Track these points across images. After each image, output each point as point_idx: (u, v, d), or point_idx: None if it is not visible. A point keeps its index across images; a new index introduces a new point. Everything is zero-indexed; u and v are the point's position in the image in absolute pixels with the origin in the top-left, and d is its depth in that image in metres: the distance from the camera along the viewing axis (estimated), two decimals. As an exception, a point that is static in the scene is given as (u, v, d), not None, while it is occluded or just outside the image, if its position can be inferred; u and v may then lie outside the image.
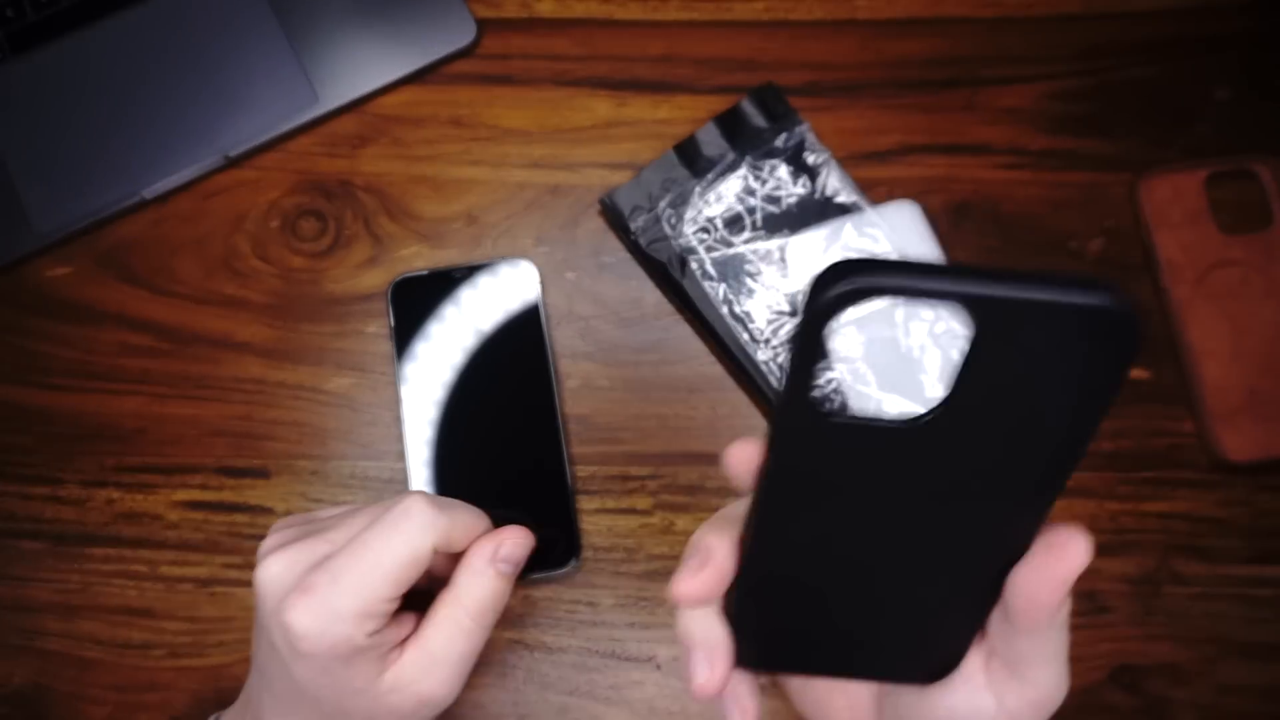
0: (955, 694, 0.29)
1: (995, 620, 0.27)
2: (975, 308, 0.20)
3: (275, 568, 0.32)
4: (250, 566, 0.47)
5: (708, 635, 0.27)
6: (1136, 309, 0.21)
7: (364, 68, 0.51)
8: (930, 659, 0.29)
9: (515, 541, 0.33)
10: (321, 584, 0.31)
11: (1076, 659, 0.46)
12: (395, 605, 0.32)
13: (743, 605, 0.29)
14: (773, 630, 0.30)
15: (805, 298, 0.21)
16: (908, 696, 0.30)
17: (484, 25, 0.52)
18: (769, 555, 0.27)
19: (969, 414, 0.23)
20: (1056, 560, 0.25)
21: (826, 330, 0.21)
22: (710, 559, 0.27)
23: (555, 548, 0.45)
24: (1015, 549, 0.26)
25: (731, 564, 0.27)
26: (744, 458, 0.26)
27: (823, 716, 0.33)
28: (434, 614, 0.34)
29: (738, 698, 0.29)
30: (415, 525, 0.31)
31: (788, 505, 0.26)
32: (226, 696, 0.46)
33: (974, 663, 0.28)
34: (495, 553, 0.33)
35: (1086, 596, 0.46)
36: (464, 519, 0.34)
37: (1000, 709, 0.28)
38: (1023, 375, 0.22)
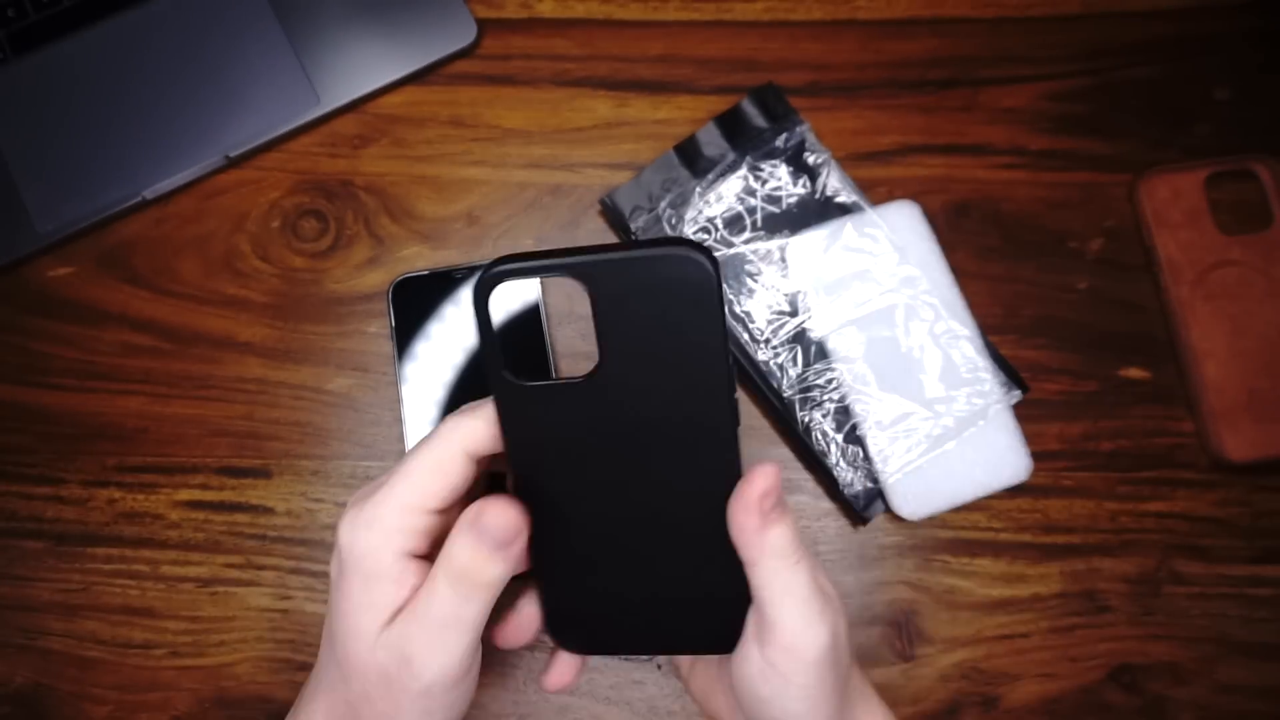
0: (736, 654, 0.32)
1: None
2: (579, 275, 0.27)
3: (345, 513, 0.32)
4: (251, 566, 0.47)
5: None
6: (701, 251, 0.27)
7: (365, 68, 0.51)
8: (721, 622, 0.32)
9: (493, 512, 0.29)
10: (363, 500, 0.31)
11: (1076, 658, 0.46)
12: (432, 520, 0.31)
13: (548, 586, 0.33)
14: (580, 611, 0.33)
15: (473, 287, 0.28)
16: (721, 674, 0.34)
17: (484, 25, 0.52)
18: (543, 530, 0.31)
19: (624, 366, 0.28)
20: (747, 485, 0.29)
21: (489, 305, 0.28)
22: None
23: None
24: (720, 493, 0.30)
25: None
26: None
27: (714, 711, 0.36)
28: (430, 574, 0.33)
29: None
30: (441, 433, 0.31)
31: (534, 475, 0.30)
32: (228, 696, 0.46)
33: (749, 620, 0.32)
34: (476, 518, 0.30)
35: (1086, 596, 0.46)
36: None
37: (762, 659, 0.31)
38: (648, 326, 0.28)
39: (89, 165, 0.50)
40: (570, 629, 0.34)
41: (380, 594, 0.31)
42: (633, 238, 0.48)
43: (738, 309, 0.47)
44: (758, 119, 0.50)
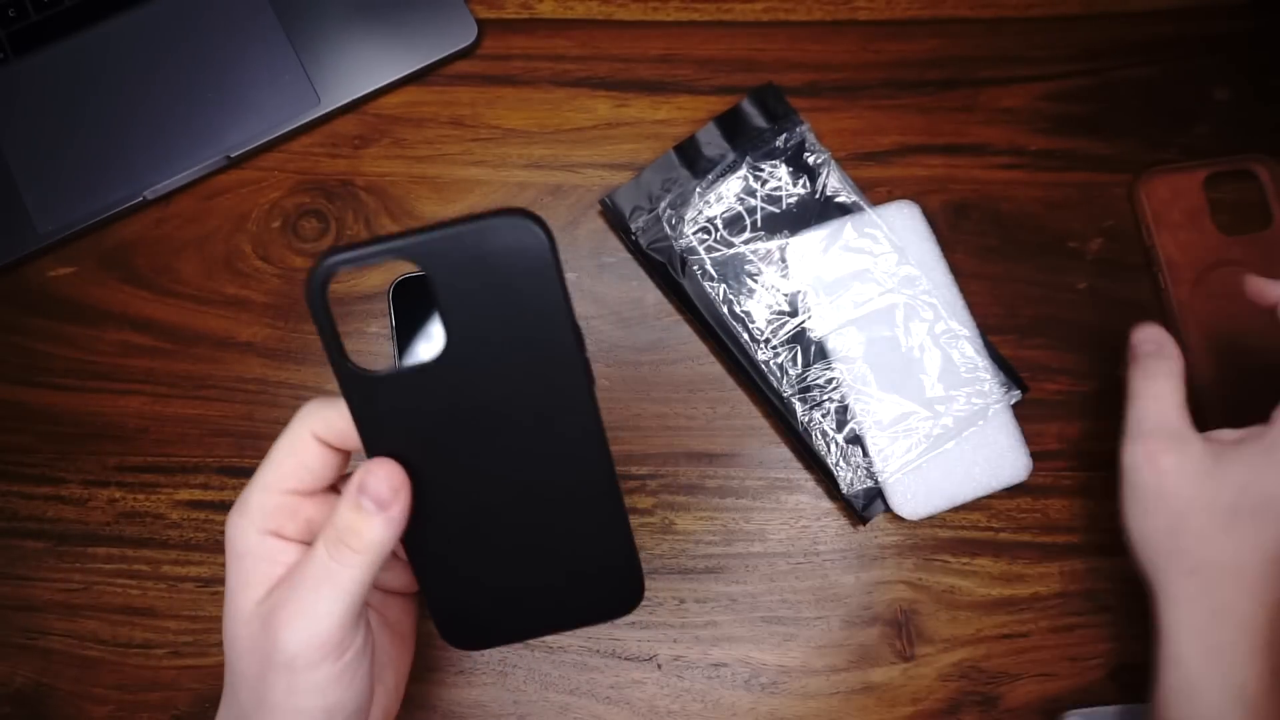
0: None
1: None
2: (411, 257, 0.27)
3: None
4: (252, 566, 0.47)
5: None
6: (531, 217, 0.27)
7: (365, 68, 0.51)
8: (612, 586, 0.32)
9: (373, 472, 0.29)
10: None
11: (1076, 658, 0.46)
12: (294, 501, 0.31)
13: (429, 585, 0.32)
14: (468, 605, 0.32)
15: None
16: None
17: (485, 26, 0.52)
18: (413, 527, 0.30)
19: (470, 344, 0.28)
20: None
21: (325, 298, 0.27)
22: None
23: None
24: (588, 457, 0.30)
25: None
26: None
27: None
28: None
29: None
30: (295, 416, 0.31)
31: (400, 462, 0.29)
32: (228, 695, 0.46)
33: None
34: (357, 480, 0.29)
35: (1086, 596, 0.46)
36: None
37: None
38: (488, 299, 0.27)
39: (89, 165, 0.50)
40: (462, 627, 0.33)
41: (252, 571, 0.31)
42: (633, 238, 0.49)
43: (737, 309, 0.48)
44: (758, 119, 0.50)
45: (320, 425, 0.30)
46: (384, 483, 0.29)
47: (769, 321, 0.47)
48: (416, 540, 0.31)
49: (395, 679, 0.35)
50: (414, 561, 0.31)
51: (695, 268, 0.48)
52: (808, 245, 0.48)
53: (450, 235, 0.27)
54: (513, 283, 0.27)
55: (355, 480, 0.29)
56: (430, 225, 0.27)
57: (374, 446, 0.29)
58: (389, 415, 0.29)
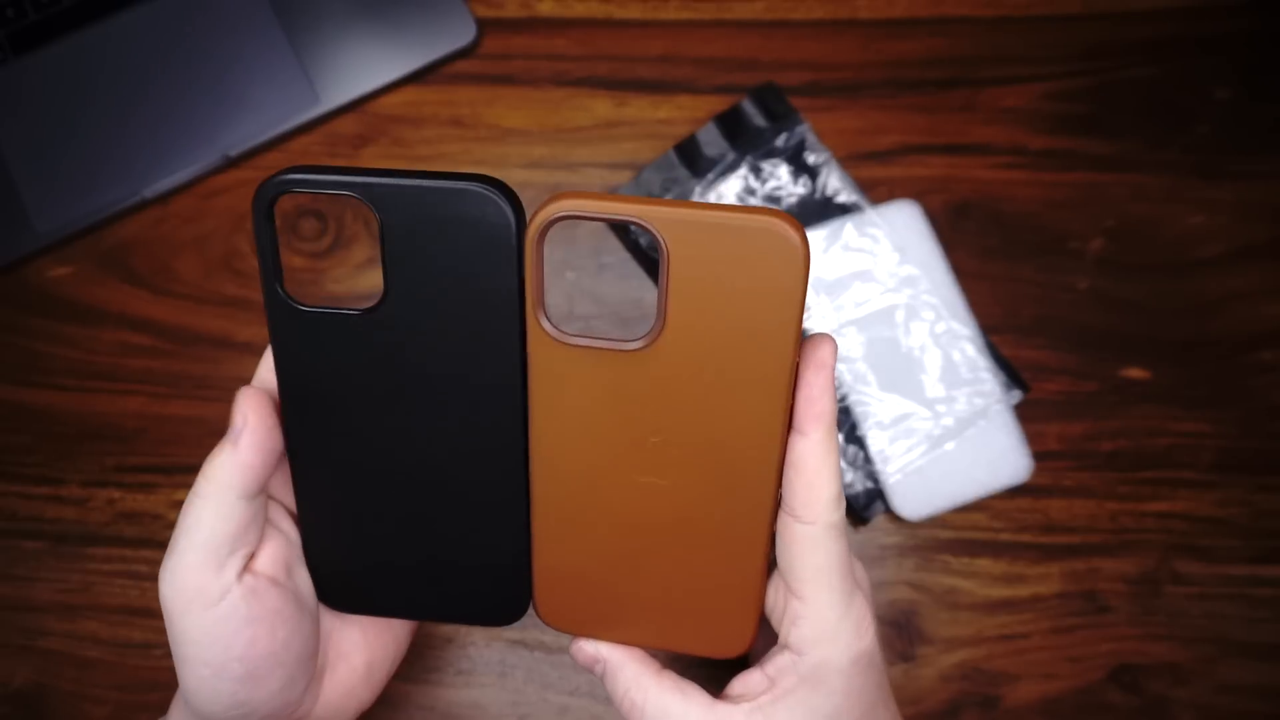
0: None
1: None
2: (368, 198, 0.25)
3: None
4: (251, 566, 0.47)
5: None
6: (503, 193, 0.25)
7: (364, 68, 0.51)
8: (498, 592, 0.31)
9: (235, 403, 0.29)
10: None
11: (1076, 659, 0.46)
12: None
13: (312, 536, 0.31)
14: (348, 567, 0.31)
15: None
16: None
17: (484, 25, 0.52)
18: (309, 474, 0.29)
19: (408, 303, 0.27)
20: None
21: (271, 213, 0.26)
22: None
23: None
24: (502, 454, 0.29)
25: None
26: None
27: None
28: None
29: None
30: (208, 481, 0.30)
31: (303, 411, 0.29)
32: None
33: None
34: None
35: (1086, 596, 0.46)
36: None
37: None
38: (437, 263, 0.26)
39: (88, 165, 0.50)
40: (336, 585, 0.32)
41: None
42: (632, 238, 0.48)
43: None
44: (758, 119, 0.50)
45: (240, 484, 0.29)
46: (236, 412, 0.28)
47: (769, 321, 0.47)
48: (309, 488, 0.30)
49: (366, 660, 0.33)
50: (302, 506, 0.31)
51: (695, 268, 0.48)
52: (808, 245, 0.48)
53: (414, 188, 0.25)
54: (467, 253, 0.26)
55: None
56: (398, 171, 0.26)
57: (289, 387, 0.29)
58: (307, 353, 0.28)
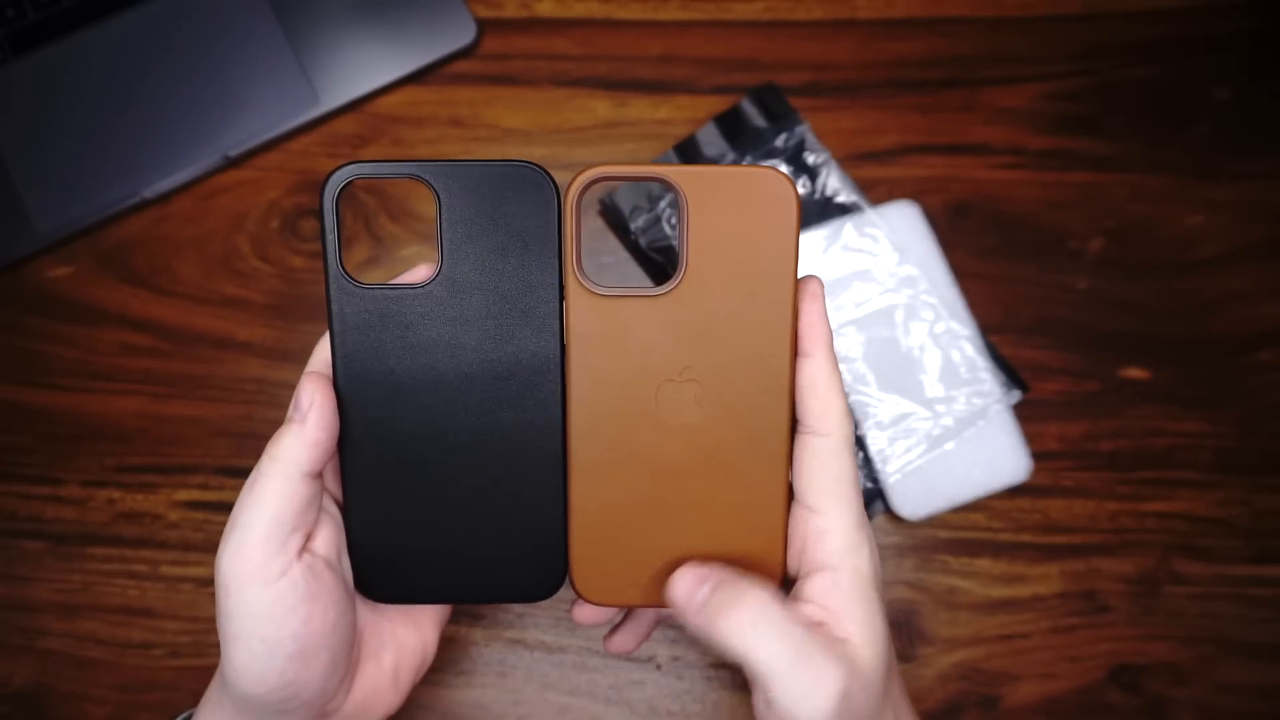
0: None
1: None
2: (426, 176, 0.29)
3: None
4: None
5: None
6: (540, 169, 0.30)
7: (364, 68, 0.51)
8: (537, 566, 0.32)
9: (301, 385, 0.30)
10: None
11: (1076, 659, 0.46)
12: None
13: (358, 524, 0.31)
14: (390, 555, 0.32)
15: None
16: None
17: (484, 25, 0.52)
18: (359, 459, 0.31)
19: (459, 280, 0.30)
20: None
21: (336, 202, 0.29)
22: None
23: None
24: (544, 423, 0.31)
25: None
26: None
27: None
28: None
29: None
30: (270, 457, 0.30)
31: (358, 394, 0.30)
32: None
33: None
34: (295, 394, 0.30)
35: (1086, 596, 0.46)
36: None
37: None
38: (490, 239, 0.29)
39: (88, 165, 0.50)
40: (376, 574, 0.32)
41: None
42: (632, 238, 0.48)
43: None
44: (758, 119, 0.50)
45: (307, 460, 0.29)
46: (303, 392, 0.30)
47: (769, 321, 0.47)
48: (356, 471, 0.31)
49: (394, 661, 0.34)
50: (346, 494, 0.31)
51: (695, 268, 0.48)
52: (807, 245, 0.48)
53: (472, 165, 0.29)
54: (516, 222, 0.29)
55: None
56: (451, 160, 0.30)
57: (342, 363, 0.30)
58: (366, 333, 0.30)
